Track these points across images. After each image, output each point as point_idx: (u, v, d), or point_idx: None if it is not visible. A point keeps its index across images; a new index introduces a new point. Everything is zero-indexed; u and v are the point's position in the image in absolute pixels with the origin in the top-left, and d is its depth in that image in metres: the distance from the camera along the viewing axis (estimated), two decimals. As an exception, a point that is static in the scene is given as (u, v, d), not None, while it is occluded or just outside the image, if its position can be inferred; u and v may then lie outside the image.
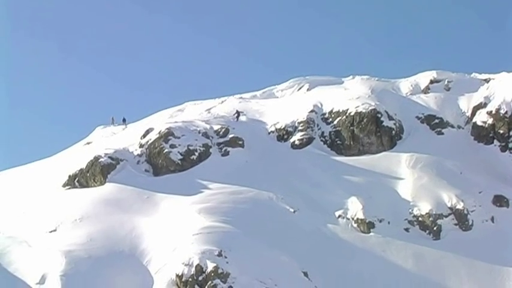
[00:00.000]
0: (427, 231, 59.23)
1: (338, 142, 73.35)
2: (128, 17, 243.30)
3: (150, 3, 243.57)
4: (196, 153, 68.46)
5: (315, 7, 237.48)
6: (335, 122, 74.77)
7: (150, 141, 69.88)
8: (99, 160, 66.08)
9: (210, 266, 46.58)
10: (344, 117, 74.60)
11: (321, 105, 78.18)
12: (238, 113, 77.54)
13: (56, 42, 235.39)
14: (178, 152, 67.96)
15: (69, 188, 65.38)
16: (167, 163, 67.26)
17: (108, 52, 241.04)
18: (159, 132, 70.50)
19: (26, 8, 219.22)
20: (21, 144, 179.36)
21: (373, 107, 74.65)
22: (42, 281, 47.57)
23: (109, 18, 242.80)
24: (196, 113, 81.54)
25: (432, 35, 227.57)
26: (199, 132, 71.64)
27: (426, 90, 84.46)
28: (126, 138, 75.17)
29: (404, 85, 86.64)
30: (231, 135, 71.83)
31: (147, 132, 72.25)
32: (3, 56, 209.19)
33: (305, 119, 75.59)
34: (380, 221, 59.14)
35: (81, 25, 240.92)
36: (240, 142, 71.19)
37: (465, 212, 60.30)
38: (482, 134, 72.92)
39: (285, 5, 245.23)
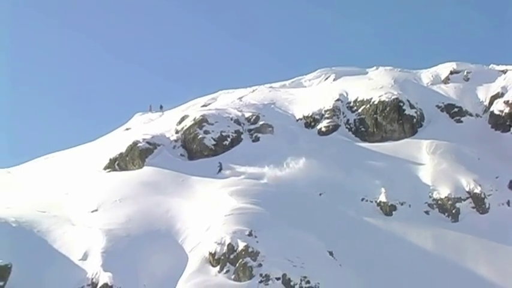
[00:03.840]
0: (446, 214, 59.75)
1: (362, 129, 75.03)
2: (162, 9, 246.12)
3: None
4: (229, 139, 70.40)
5: (342, 2, 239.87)
6: (359, 110, 76.38)
7: (185, 128, 71.57)
8: (138, 145, 67.95)
9: (241, 245, 47.48)
10: (368, 105, 76.21)
11: (346, 94, 79.52)
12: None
13: (102, 38, 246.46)
14: (212, 137, 69.79)
15: (110, 171, 67.11)
16: (201, 148, 69.14)
17: (146, 45, 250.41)
18: (194, 119, 72.22)
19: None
20: (68, 130, 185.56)
21: (395, 96, 76.00)
22: (84, 257, 49.49)
23: (145, 10, 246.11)
24: (229, 101, 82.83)
25: (452, 28, 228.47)
26: (231, 119, 73.53)
27: (446, 81, 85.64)
28: (162, 124, 76.65)
29: (426, 76, 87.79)
30: (261, 122, 73.43)
31: (183, 119, 73.96)
32: (46, 48, 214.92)
33: (331, 107, 76.99)
34: (401, 204, 59.90)
35: (118, 18, 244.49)
36: (270, 129, 72.69)
37: (482, 195, 60.72)
38: (499, 122, 73.93)
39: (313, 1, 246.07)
